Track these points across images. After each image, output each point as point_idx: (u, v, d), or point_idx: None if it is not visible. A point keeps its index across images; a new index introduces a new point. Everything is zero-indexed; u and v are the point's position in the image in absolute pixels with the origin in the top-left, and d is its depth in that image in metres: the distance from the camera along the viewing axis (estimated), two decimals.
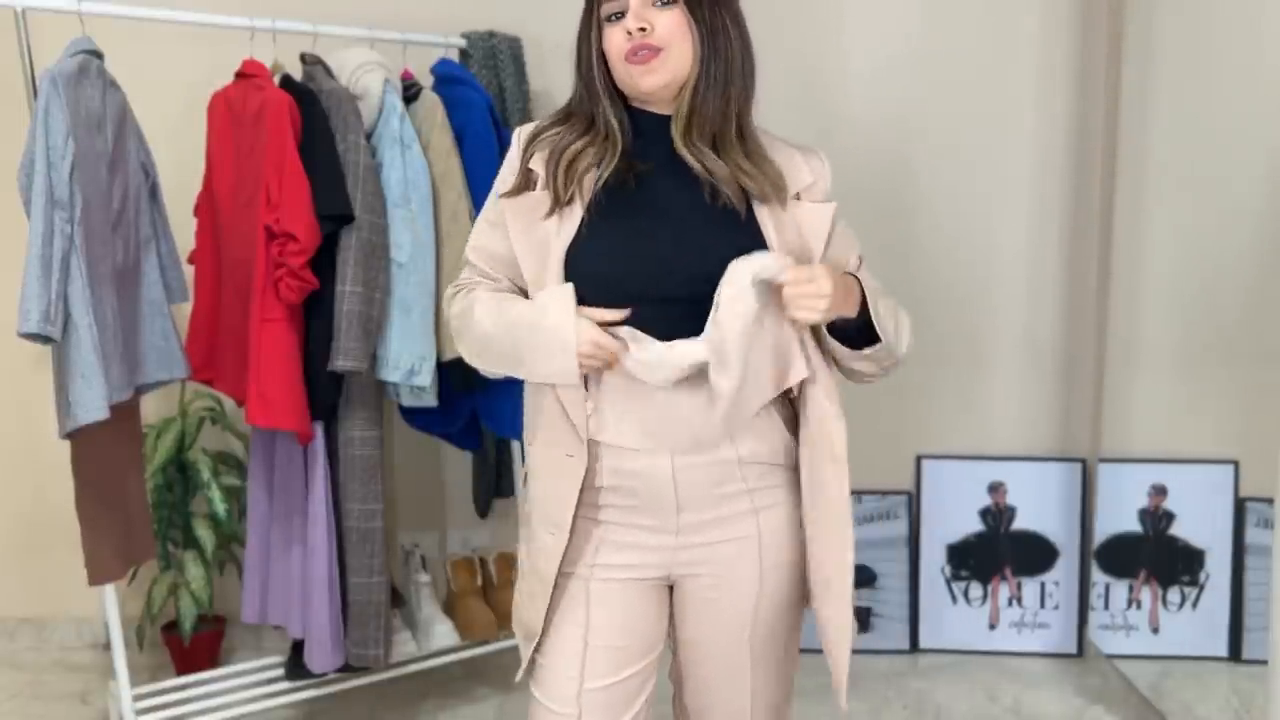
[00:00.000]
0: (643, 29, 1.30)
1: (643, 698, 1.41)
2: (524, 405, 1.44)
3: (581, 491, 1.34)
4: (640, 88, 1.32)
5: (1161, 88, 2.61)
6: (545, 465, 1.37)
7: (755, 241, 1.30)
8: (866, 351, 1.34)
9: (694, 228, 1.32)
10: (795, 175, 1.37)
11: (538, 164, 1.38)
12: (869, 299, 1.32)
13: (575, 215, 1.34)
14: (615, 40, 1.32)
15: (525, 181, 1.38)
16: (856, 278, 1.34)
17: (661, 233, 1.32)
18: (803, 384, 1.34)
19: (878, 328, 1.32)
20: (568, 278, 1.31)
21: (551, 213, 1.34)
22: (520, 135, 1.42)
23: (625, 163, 1.35)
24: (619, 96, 1.36)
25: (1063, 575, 2.85)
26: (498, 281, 1.40)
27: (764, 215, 1.34)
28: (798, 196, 1.37)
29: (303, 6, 2.35)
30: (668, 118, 1.35)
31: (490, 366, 1.40)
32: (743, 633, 1.40)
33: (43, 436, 2.74)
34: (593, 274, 1.30)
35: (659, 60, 1.30)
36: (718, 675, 1.43)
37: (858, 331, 1.34)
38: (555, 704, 1.38)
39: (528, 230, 1.36)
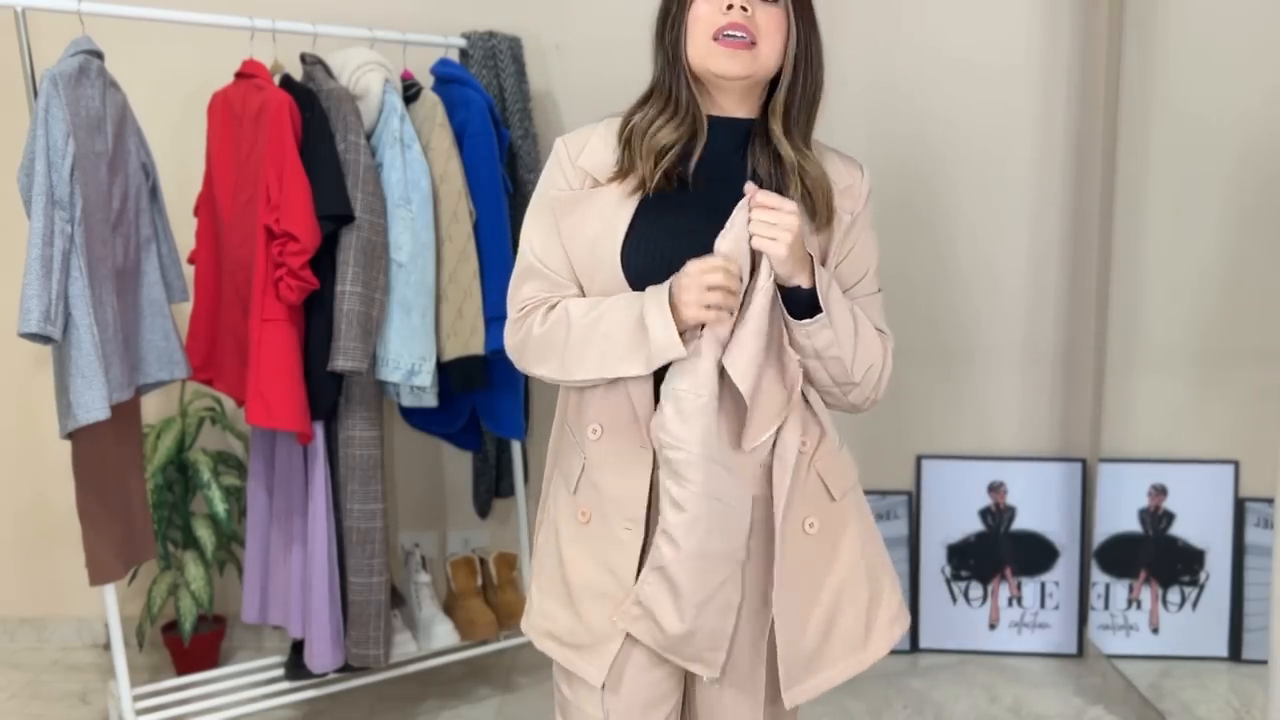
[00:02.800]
0: (745, 9, 1.26)
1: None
2: (565, 412, 1.41)
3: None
4: (721, 70, 1.27)
5: (1161, 88, 2.61)
6: (610, 462, 1.34)
7: None
8: (806, 323, 1.27)
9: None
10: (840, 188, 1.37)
11: (592, 161, 1.35)
12: (819, 279, 1.27)
13: (631, 204, 1.31)
14: (704, 13, 1.28)
15: (578, 180, 1.36)
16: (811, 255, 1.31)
17: (709, 235, 1.27)
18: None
19: (821, 300, 1.26)
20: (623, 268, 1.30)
21: (634, 191, 1.31)
22: (566, 143, 1.38)
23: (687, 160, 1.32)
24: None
25: (1063, 575, 2.85)
26: (569, 288, 1.36)
27: (804, 220, 1.32)
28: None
29: (303, 6, 2.35)
30: (727, 120, 1.34)
31: (583, 370, 1.32)
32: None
33: (43, 436, 2.74)
34: (637, 270, 1.29)
35: (750, 53, 1.27)
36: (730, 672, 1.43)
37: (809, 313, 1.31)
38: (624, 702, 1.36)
39: (580, 226, 1.34)
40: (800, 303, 1.28)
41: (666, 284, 1.25)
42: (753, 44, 1.27)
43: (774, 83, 1.33)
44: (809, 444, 1.35)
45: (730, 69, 1.27)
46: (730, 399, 1.28)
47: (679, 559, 1.26)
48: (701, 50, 1.28)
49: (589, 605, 1.35)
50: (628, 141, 1.33)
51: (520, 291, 1.40)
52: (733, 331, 1.25)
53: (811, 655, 1.36)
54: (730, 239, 1.24)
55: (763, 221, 1.22)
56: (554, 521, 1.43)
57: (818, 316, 1.27)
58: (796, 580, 1.35)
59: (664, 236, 1.30)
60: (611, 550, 1.34)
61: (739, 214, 1.24)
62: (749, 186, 1.24)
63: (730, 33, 1.26)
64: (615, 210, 1.32)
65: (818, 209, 1.32)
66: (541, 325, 1.35)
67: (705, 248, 1.24)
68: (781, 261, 1.23)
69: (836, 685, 1.39)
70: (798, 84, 1.31)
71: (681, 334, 1.24)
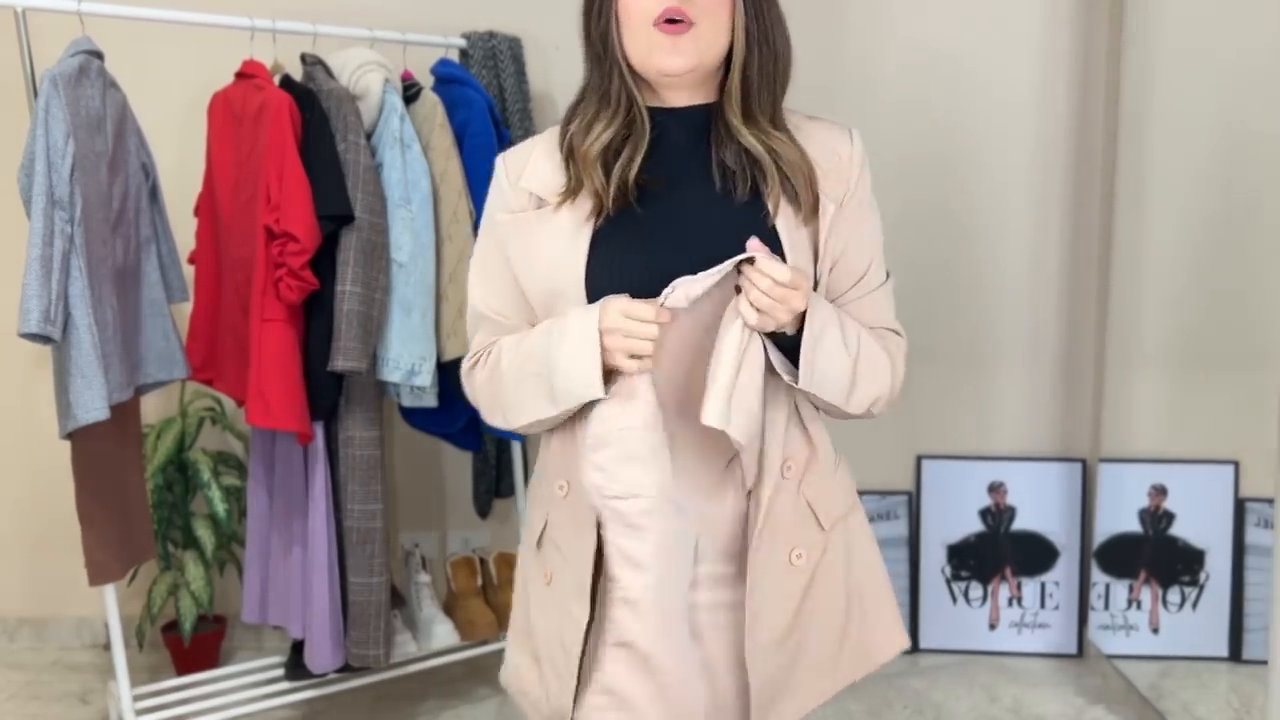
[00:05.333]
0: None
1: None
2: (543, 456, 1.29)
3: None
4: (661, 67, 1.13)
5: (1162, 87, 2.61)
6: (570, 521, 1.21)
7: (775, 251, 1.15)
8: (787, 379, 1.15)
9: (718, 239, 1.14)
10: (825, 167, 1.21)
11: (536, 180, 1.23)
12: (809, 327, 1.12)
13: (589, 227, 1.18)
14: (640, 1, 1.13)
15: (523, 202, 1.23)
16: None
17: (680, 245, 1.15)
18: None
19: (804, 367, 1.12)
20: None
21: (591, 212, 1.17)
22: (505, 161, 1.27)
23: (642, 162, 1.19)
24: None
25: (1063, 575, 2.85)
26: (521, 330, 1.25)
27: (785, 218, 1.18)
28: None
29: (303, 6, 2.35)
30: (681, 111, 1.20)
31: (528, 411, 1.21)
32: None
33: (43, 436, 2.74)
34: (602, 292, 1.15)
35: (689, 38, 1.12)
36: None
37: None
38: None
39: (532, 256, 1.21)
40: (784, 346, 1.16)
41: (595, 311, 1.12)
42: (691, 25, 1.12)
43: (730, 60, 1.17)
44: (795, 466, 1.21)
45: (674, 65, 1.13)
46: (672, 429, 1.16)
47: (647, 631, 1.13)
48: (642, 45, 1.14)
49: (550, 676, 1.23)
50: (570, 154, 1.20)
51: (472, 341, 1.30)
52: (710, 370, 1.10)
53: (782, 686, 1.24)
54: (698, 288, 1.10)
55: (761, 292, 1.08)
56: (524, 572, 1.32)
57: (797, 384, 1.14)
58: (776, 620, 1.21)
59: (628, 256, 1.16)
60: (566, 622, 1.20)
61: (724, 271, 1.10)
62: (752, 243, 1.10)
63: (670, 17, 1.11)
64: (572, 236, 1.17)
65: (800, 197, 1.17)
66: (484, 373, 1.26)
67: (672, 262, 1.12)
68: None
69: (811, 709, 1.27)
70: (754, 61, 1.16)
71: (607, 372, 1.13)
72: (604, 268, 1.16)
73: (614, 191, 1.16)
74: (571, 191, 1.18)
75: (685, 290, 1.10)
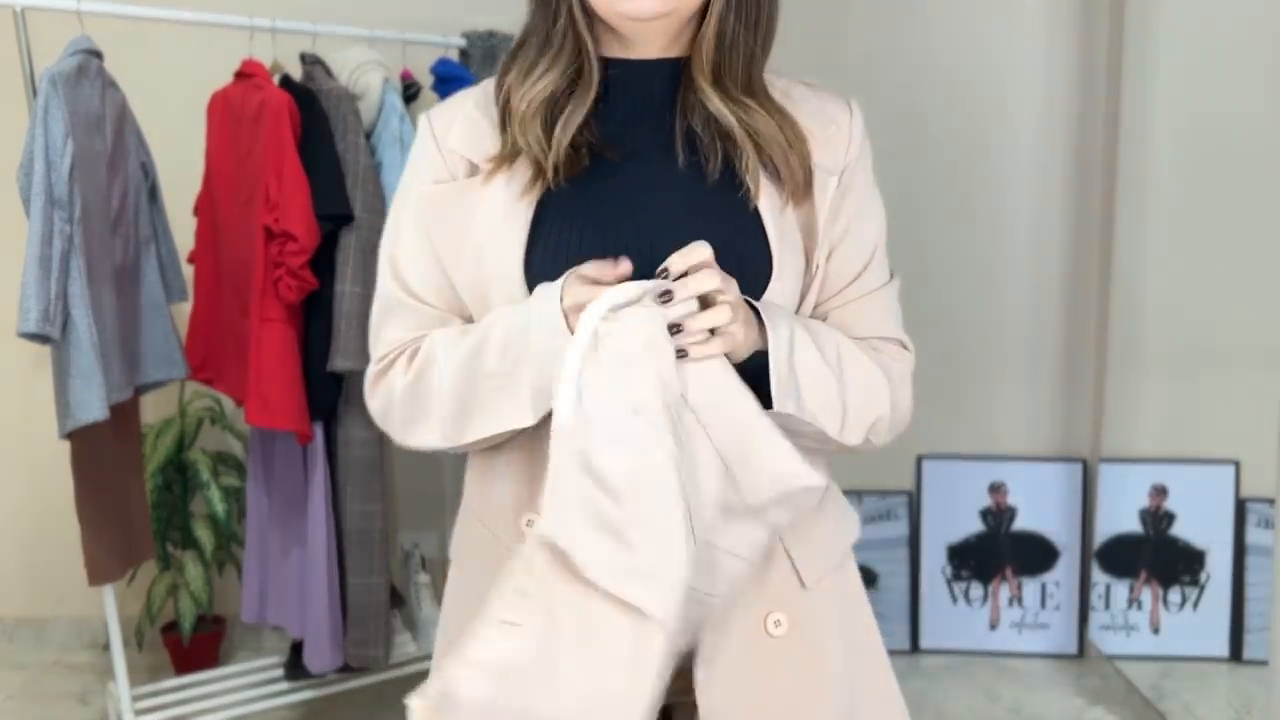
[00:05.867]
0: None
1: None
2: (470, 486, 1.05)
3: None
4: (627, 10, 0.91)
5: (1162, 87, 2.61)
6: None
7: (758, 239, 0.95)
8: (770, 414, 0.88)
9: (683, 221, 0.94)
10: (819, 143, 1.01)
11: (465, 141, 1.00)
12: (771, 339, 0.89)
13: (530, 199, 0.96)
14: None
15: (453, 169, 1.00)
16: (753, 307, 0.90)
17: (639, 227, 0.94)
18: None
19: (774, 388, 0.88)
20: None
21: (532, 181, 0.95)
22: (431, 119, 1.03)
23: (591, 126, 0.97)
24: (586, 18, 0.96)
25: (1063, 576, 2.85)
26: (450, 322, 1.00)
27: (769, 199, 0.97)
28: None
29: (302, 6, 2.35)
30: (647, 64, 0.98)
31: (490, 420, 0.94)
32: None
33: (42, 436, 2.74)
34: (543, 280, 0.92)
35: None
36: None
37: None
38: None
39: (460, 233, 0.97)
40: (747, 373, 0.89)
41: (558, 284, 0.89)
42: None
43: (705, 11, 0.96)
44: None
45: (644, 7, 0.90)
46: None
47: None
48: None
49: None
50: (506, 108, 0.97)
51: (380, 336, 1.02)
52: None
53: None
54: (622, 297, 0.85)
55: (692, 320, 0.84)
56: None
57: (772, 410, 0.89)
58: (752, 698, 0.94)
59: (574, 236, 0.94)
60: None
61: (646, 289, 0.85)
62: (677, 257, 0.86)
63: None
64: (507, 212, 0.95)
65: (784, 173, 0.96)
66: (405, 376, 0.98)
67: (629, 246, 0.90)
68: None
69: None
70: (731, 13, 0.94)
71: None
72: (547, 250, 0.94)
73: (553, 157, 0.94)
74: (507, 156, 0.96)
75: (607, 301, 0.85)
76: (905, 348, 1.04)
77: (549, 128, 0.95)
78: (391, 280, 1.01)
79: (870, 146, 1.04)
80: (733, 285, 0.87)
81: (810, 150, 0.98)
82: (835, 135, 1.01)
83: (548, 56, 0.96)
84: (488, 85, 1.02)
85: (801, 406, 0.90)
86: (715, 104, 0.95)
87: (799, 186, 0.96)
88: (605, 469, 0.80)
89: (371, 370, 1.03)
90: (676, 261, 0.86)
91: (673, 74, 0.99)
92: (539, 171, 0.95)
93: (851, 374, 0.95)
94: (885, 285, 1.03)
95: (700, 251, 0.86)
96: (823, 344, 0.93)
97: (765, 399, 0.88)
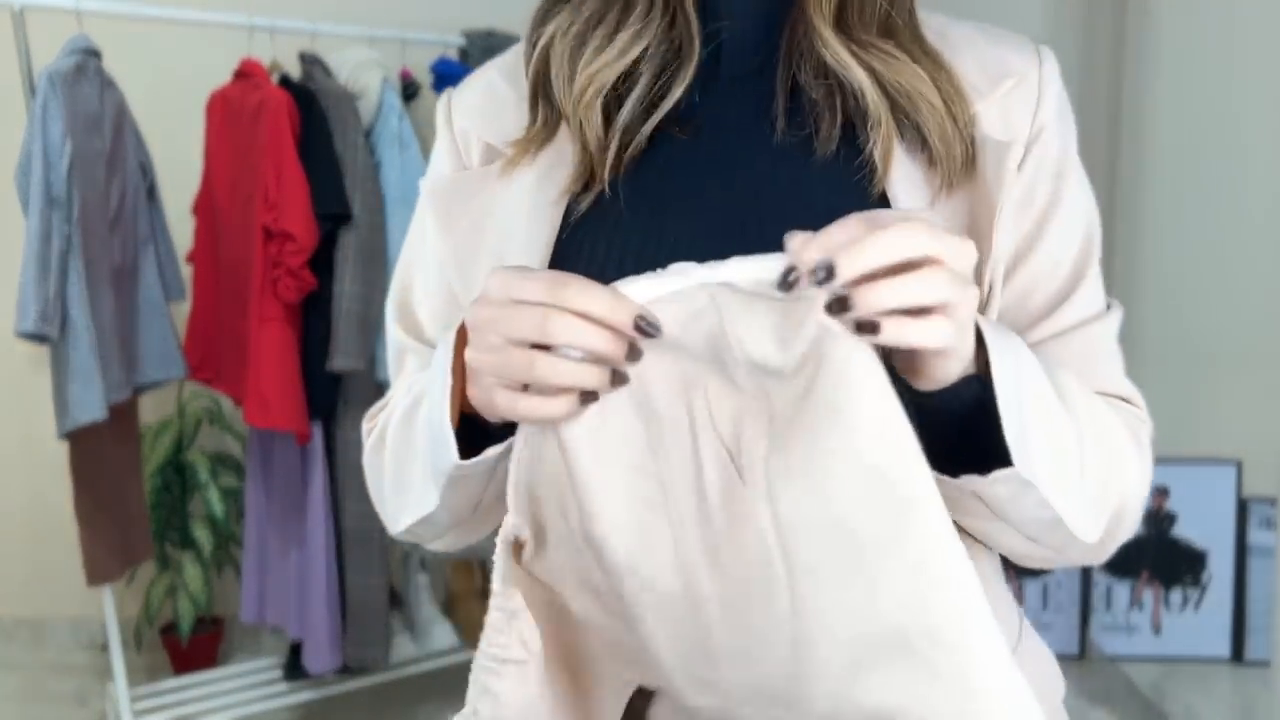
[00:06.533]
0: None
1: None
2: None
3: None
4: None
5: (1163, 87, 2.61)
6: None
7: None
8: (971, 482, 0.58)
9: (772, 215, 0.66)
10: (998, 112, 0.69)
11: (482, 118, 0.75)
12: (997, 362, 0.56)
13: (560, 200, 0.69)
14: None
15: (469, 157, 0.76)
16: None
17: (708, 230, 0.67)
18: None
19: (1005, 432, 0.55)
20: None
21: (572, 178, 0.69)
22: (449, 96, 0.78)
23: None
24: None
25: (1065, 576, 2.84)
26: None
27: (906, 180, 0.66)
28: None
29: (302, 6, 2.35)
30: (737, 6, 0.70)
31: (406, 514, 0.73)
32: None
33: (41, 436, 2.73)
34: None
35: None
36: None
37: (962, 437, 0.58)
38: None
39: (470, 237, 0.72)
40: (939, 412, 0.58)
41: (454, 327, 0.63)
42: None
43: None
44: None
45: None
46: None
47: None
48: None
49: None
50: (541, 78, 0.71)
51: (393, 387, 0.79)
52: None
53: None
54: (666, 289, 0.54)
55: (888, 287, 0.50)
56: None
57: (1002, 472, 0.56)
58: None
59: (618, 246, 0.67)
60: None
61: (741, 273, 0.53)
62: (790, 243, 0.52)
63: None
64: (530, 214, 0.69)
65: (936, 154, 0.65)
66: (367, 450, 0.78)
67: (692, 256, 0.55)
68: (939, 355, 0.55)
69: None
70: None
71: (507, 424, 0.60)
72: (577, 264, 0.67)
73: (613, 157, 0.68)
74: (535, 139, 0.71)
75: (650, 288, 0.54)
76: (1136, 406, 0.74)
77: (610, 113, 0.68)
78: (395, 323, 0.78)
79: (1072, 114, 0.72)
80: (954, 246, 0.52)
81: (976, 114, 0.67)
82: (1017, 93, 0.68)
83: (635, 14, 0.68)
84: (520, 49, 0.75)
85: (1034, 472, 0.57)
86: (835, 49, 0.66)
87: (957, 166, 0.65)
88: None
89: (366, 437, 0.79)
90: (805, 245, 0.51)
91: (772, 19, 0.70)
92: (586, 168, 0.69)
93: (1094, 434, 0.63)
94: (1103, 316, 0.74)
95: (854, 227, 0.51)
96: (1062, 386, 0.62)
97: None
